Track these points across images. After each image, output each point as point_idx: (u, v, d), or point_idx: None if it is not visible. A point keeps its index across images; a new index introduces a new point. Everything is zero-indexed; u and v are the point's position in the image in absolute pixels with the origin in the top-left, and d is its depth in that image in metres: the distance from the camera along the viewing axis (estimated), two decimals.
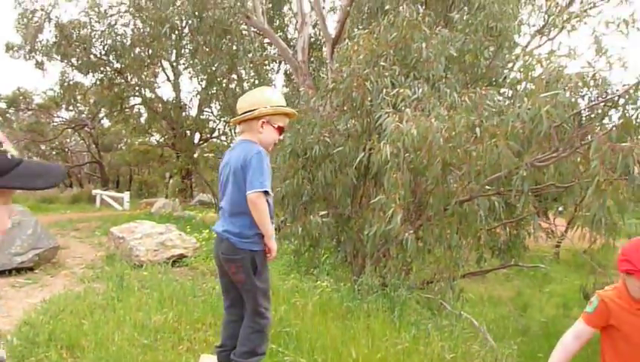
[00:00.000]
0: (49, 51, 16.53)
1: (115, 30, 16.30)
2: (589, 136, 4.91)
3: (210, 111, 21.02)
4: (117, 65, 17.44)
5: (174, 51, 16.88)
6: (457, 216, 5.70)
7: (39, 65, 17.46)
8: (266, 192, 2.75)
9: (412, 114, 5.14)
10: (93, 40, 16.41)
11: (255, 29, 12.93)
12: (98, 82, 18.21)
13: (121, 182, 31.00)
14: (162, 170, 27.95)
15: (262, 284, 2.88)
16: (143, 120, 23.41)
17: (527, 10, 9.79)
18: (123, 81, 18.49)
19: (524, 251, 8.00)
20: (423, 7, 7.37)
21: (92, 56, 16.83)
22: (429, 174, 5.17)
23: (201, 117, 21.16)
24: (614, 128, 4.62)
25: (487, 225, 6.50)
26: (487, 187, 5.58)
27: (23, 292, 5.81)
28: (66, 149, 30.15)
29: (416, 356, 3.82)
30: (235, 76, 14.92)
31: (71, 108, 25.01)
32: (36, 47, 16.50)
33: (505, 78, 7.70)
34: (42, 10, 15.86)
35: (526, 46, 10.45)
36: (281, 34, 15.56)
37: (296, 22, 13.91)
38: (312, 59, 14.20)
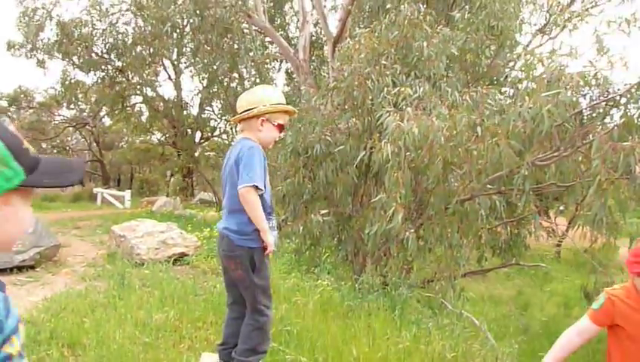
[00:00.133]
0: (50, 50, 16.56)
1: (117, 29, 16.34)
2: (591, 136, 4.91)
3: (211, 109, 21.07)
4: (118, 64, 17.47)
5: (175, 50, 16.90)
6: (458, 215, 5.70)
7: (40, 63, 17.49)
8: (257, 187, 2.75)
9: (413, 113, 5.14)
10: (95, 38, 16.44)
11: (256, 28, 12.93)
12: (99, 80, 18.23)
13: (123, 180, 31.06)
14: (163, 169, 27.97)
15: (260, 281, 2.88)
16: (144, 118, 23.44)
17: (529, 9, 9.77)
18: (124, 79, 18.51)
19: (525, 250, 8.00)
20: (425, 5, 7.36)
21: (93, 55, 16.86)
22: (430, 173, 5.17)
23: (203, 115, 21.20)
24: (616, 127, 4.62)
25: (488, 224, 6.50)
26: (488, 186, 5.58)
27: (24, 291, 5.81)
28: (67, 148, 30.16)
29: (417, 355, 3.83)
30: (236, 75, 14.92)
31: (72, 106, 25.02)
32: (37, 46, 16.53)
33: (506, 77, 7.70)
34: (44, 8, 15.88)
35: (527, 45, 10.44)
36: (282, 32, 15.54)
37: (298, 20, 13.91)
38: (313, 57, 14.21)
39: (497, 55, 7.38)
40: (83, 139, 29.57)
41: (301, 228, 6.25)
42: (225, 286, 3.19)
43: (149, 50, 16.98)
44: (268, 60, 14.90)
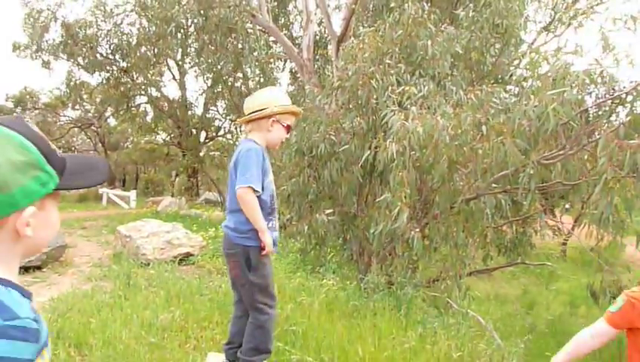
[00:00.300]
0: (55, 50, 16.63)
1: (121, 29, 16.40)
2: (597, 134, 4.89)
3: (215, 109, 21.10)
4: (123, 65, 17.51)
5: (180, 50, 16.90)
6: (464, 214, 5.68)
7: (46, 64, 17.56)
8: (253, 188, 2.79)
9: (418, 112, 5.13)
10: (100, 39, 16.50)
11: (260, 28, 12.94)
12: (104, 81, 18.28)
13: (128, 180, 31.18)
14: (168, 169, 28.07)
15: (257, 280, 2.89)
16: (149, 118, 23.51)
17: (534, 6, 9.75)
18: (129, 80, 18.57)
19: (530, 249, 7.97)
20: (429, 4, 7.34)
21: (98, 56, 16.91)
22: (435, 172, 5.16)
23: (207, 115, 21.25)
24: (622, 125, 4.58)
25: (493, 223, 6.49)
26: (493, 185, 5.56)
27: (31, 291, 5.84)
28: (73, 148, 30.30)
29: (423, 354, 3.82)
30: (240, 75, 14.94)
31: (77, 107, 25.16)
32: (43, 47, 16.60)
33: (511, 75, 7.67)
34: (49, 9, 15.96)
35: (532, 43, 10.42)
36: (286, 32, 15.55)
37: (302, 20, 13.91)
38: (317, 57, 14.19)
39: (502, 53, 7.35)
40: (88, 140, 29.68)
41: (306, 227, 6.25)
42: (231, 285, 3.21)
43: (154, 50, 17.03)
44: (272, 60, 14.90)
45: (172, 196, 20.63)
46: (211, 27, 11.80)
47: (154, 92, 20.27)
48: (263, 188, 2.85)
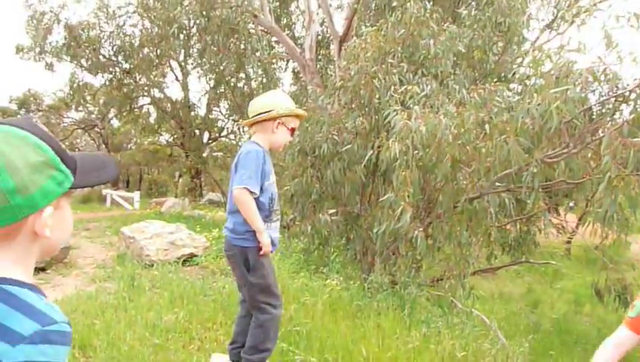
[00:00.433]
0: (58, 52, 16.66)
1: (124, 31, 16.45)
2: (600, 132, 4.87)
3: (218, 110, 21.10)
4: (126, 66, 17.55)
5: (182, 51, 16.96)
6: (467, 214, 5.68)
7: (49, 66, 17.60)
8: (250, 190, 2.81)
9: (420, 111, 5.12)
10: (102, 41, 16.54)
11: (262, 28, 12.93)
12: (107, 83, 18.33)
13: (131, 181, 31.21)
14: (172, 170, 28.09)
15: (257, 280, 2.90)
16: (152, 120, 23.57)
17: (536, 4, 9.71)
18: (132, 81, 18.61)
19: (534, 247, 7.96)
20: (431, 3, 7.33)
21: (101, 57, 16.95)
22: (439, 171, 5.15)
23: (210, 116, 21.25)
24: (626, 123, 4.56)
25: (497, 222, 6.47)
26: (497, 184, 5.55)
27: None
28: (77, 149, 30.34)
29: (427, 354, 3.82)
30: (243, 75, 14.94)
31: (81, 108, 25.22)
32: (46, 49, 16.64)
33: (514, 73, 7.63)
34: (51, 11, 16.00)
35: (535, 41, 10.37)
36: (288, 32, 15.54)
37: (304, 20, 13.90)
38: (319, 57, 14.18)
39: (505, 52, 7.33)
40: (92, 141, 29.74)
41: (309, 227, 6.25)
42: (237, 285, 3.24)
43: (156, 51, 17.06)
44: (274, 60, 14.88)
45: (175, 197, 20.65)
46: (213, 28, 11.81)
47: (157, 93, 20.32)
48: (262, 190, 2.87)
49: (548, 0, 9.75)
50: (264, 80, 14.09)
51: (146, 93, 20.10)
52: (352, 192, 6.33)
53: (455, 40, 6.38)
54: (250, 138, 3.11)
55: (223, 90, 16.97)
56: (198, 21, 12.38)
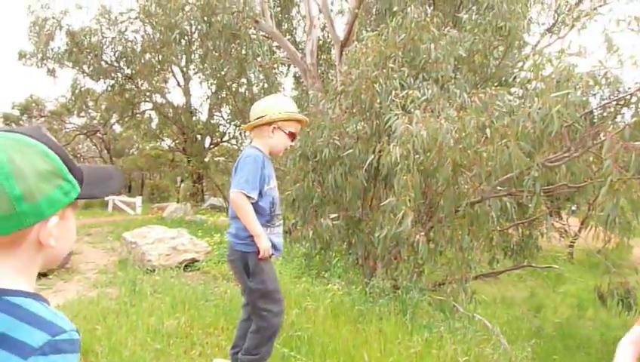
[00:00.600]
0: (61, 58, 16.68)
1: (126, 37, 16.46)
2: (602, 136, 4.86)
3: (220, 115, 21.12)
4: (128, 72, 17.57)
5: (184, 56, 16.97)
6: (469, 218, 5.67)
7: (51, 72, 17.62)
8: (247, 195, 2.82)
9: (421, 115, 5.12)
10: (104, 47, 16.55)
11: (264, 33, 12.97)
12: (109, 88, 18.34)
13: (134, 186, 31.26)
14: (174, 175, 28.15)
15: (257, 286, 2.90)
16: (154, 125, 23.60)
17: (537, 8, 9.74)
18: (134, 86, 18.63)
19: (537, 251, 7.94)
20: (432, 7, 7.36)
21: (103, 63, 16.97)
22: (440, 176, 5.15)
23: (212, 121, 21.27)
24: (627, 127, 4.56)
25: (499, 226, 6.46)
26: (498, 188, 5.54)
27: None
28: (79, 155, 30.43)
29: (429, 359, 3.81)
30: (244, 80, 14.95)
31: (83, 114, 25.29)
32: (48, 55, 16.65)
33: (515, 77, 7.64)
34: (54, 18, 16.01)
35: (536, 45, 10.40)
36: (289, 37, 15.59)
37: (305, 25, 13.94)
38: (320, 61, 14.22)
39: (505, 56, 7.34)
40: (94, 147, 29.82)
41: (311, 232, 6.24)
42: (240, 289, 3.26)
43: (158, 57, 17.08)
44: (276, 65, 14.91)
45: (177, 202, 20.68)
46: (215, 33, 11.84)
47: (158, 98, 20.35)
48: (262, 195, 2.87)
49: (548, 4, 9.77)
50: (265, 85, 14.11)
51: (147, 99, 20.12)
52: (353, 197, 6.33)
53: (456, 44, 6.39)
54: (251, 143, 3.12)
55: (224, 96, 16.99)
56: (199, 27, 12.40)
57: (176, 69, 20.25)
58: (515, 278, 11.74)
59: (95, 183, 0.98)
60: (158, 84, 19.73)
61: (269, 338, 2.99)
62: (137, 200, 18.90)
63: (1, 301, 0.82)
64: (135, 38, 16.62)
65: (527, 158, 4.89)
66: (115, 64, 17.17)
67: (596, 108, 5.17)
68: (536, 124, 4.62)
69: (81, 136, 27.98)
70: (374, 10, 9.90)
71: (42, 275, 6.75)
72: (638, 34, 6.54)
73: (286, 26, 16.44)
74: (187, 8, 12.01)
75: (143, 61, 16.76)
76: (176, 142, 23.55)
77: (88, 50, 16.41)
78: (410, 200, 4.92)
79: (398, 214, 4.89)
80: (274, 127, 2.99)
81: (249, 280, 2.89)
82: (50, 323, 0.82)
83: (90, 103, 22.85)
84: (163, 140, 25.60)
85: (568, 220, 8.34)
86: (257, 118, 3.02)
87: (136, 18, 15.95)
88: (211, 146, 23.46)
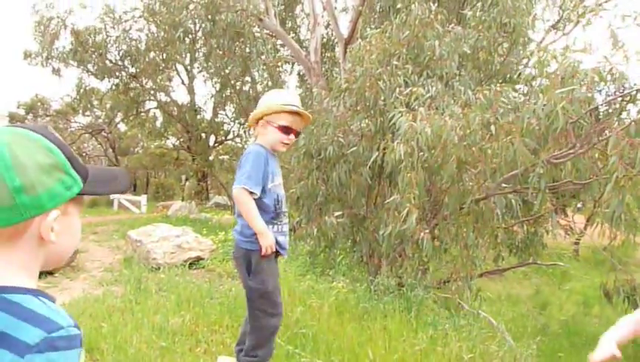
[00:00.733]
0: (65, 58, 16.75)
1: (130, 35, 16.51)
2: (607, 132, 4.83)
3: (224, 113, 21.16)
4: (132, 70, 17.62)
5: (188, 55, 17.00)
6: (474, 215, 5.65)
7: (56, 71, 17.69)
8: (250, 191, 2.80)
9: (426, 112, 5.11)
10: (109, 45, 16.61)
11: (268, 31, 12.98)
12: (114, 87, 18.41)
13: (139, 185, 31.31)
14: (178, 173, 28.21)
15: (257, 285, 2.86)
16: (158, 123, 23.67)
17: (541, 5, 9.67)
18: (138, 85, 18.68)
19: (542, 249, 7.91)
20: (436, 4, 7.32)
21: (107, 62, 17.03)
22: (444, 173, 5.14)
23: (216, 119, 21.33)
24: (633, 123, 4.53)
25: (504, 224, 6.44)
26: (503, 185, 5.52)
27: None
28: (84, 154, 30.52)
29: (434, 356, 3.80)
30: (248, 78, 15.00)
31: (88, 113, 25.35)
32: (53, 54, 16.72)
33: (519, 74, 7.62)
34: (58, 17, 16.06)
35: (540, 41, 10.35)
36: (293, 35, 15.58)
37: (309, 23, 13.93)
38: (324, 59, 14.20)
39: (510, 52, 7.30)
40: (99, 146, 29.89)
41: (315, 230, 6.24)
42: None
43: (162, 55, 17.13)
44: (280, 63, 14.93)
45: (182, 200, 20.72)
46: (219, 32, 11.86)
47: (163, 97, 20.43)
48: (266, 192, 2.85)
49: (553, 0, 9.72)
50: (269, 83, 14.14)
51: (152, 97, 20.19)
52: (357, 194, 6.33)
53: (460, 41, 6.37)
54: (255, 140, 3.12)
55: (228, 94, 17.04)
56: (203, 25, 12.44)
57: (180, 67, 20.32)
58: (521, 276, 11.70)
59: (100, 181, 0.99)
60: (162, 83, 19.80)
61: (266, 340, 2.95)
62: (142, 198, 18.93)
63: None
64: (139, 36, 16.69)
65: (532, 155, 4.87)
66: (120, 63, 17.23)
67: (601, 105, 5.14)
68: (541, 120, 4.61)
69: (87, 135, 28.03)
70: (378, 7, 9.86)
71: (49, 273, 6.79)
72: None
73: (290, 24, 16.44)
74: (191, 7, 12.04)
75: (147, 60, 16.81)
76: (181, 140, 23.62)
77: (93, 49, 16.47)
78: (414, 198, 4.91)
79: (403, 212, 4.88)
80: (264, 122, 2.96)
81: (249, 278, 2.86)
82: (47, 320, 0.82)
83: (95, 102, 22.91)
84: (168, 139, 25.68)
85: (574, 217, 8.29)
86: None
87: (140, 17, 15.99)
88: (216, 145, 23.52)
